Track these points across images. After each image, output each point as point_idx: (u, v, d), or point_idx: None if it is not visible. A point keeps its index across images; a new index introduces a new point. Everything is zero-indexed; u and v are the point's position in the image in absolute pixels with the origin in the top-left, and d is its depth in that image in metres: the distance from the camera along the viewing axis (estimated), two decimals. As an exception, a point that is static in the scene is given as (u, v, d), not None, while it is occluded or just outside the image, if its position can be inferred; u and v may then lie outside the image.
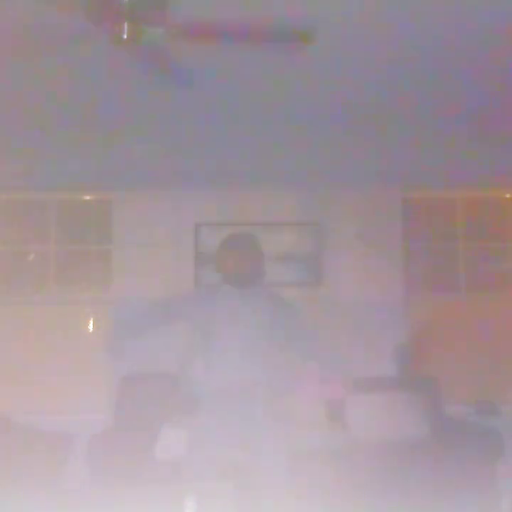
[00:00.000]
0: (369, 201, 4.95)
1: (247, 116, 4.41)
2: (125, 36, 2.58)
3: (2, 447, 3.78)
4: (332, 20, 3.04)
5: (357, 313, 4.77)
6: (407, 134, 4.73)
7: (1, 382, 4.52)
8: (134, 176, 4.77)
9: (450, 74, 3.81)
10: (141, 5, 2.57)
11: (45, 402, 4.67)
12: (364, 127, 4.58)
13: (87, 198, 5.09)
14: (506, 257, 5.14)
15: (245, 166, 4.75)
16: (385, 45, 3.41)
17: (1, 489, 3.41)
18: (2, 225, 5.01)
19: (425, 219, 5.16)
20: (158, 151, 4.73)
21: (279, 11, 2.75)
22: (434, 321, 4.79)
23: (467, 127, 4.62)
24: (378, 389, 4.41)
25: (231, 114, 4.36)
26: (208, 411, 2.95)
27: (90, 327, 4.99)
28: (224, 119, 4.45)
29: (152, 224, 4.88)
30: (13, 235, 5.04)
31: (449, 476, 3.81)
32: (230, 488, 2.88)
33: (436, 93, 4.09)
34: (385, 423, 4.24)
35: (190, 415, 3.01)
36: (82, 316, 4.98)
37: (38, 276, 5.00)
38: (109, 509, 3.43)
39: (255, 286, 3.14)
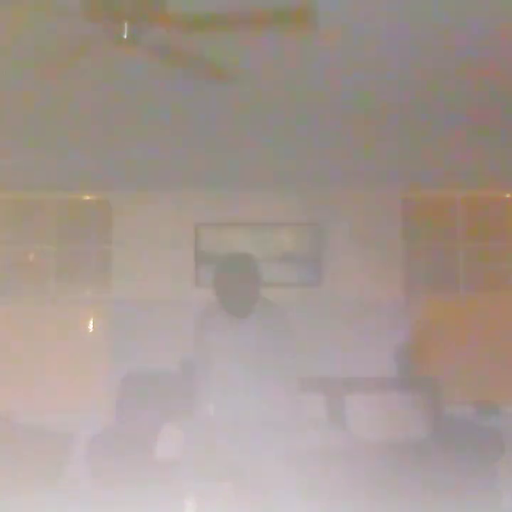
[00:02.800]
0: (369, 201, 4.95)
1: (247, 116, 4.40)
2: (125, 36, 2.58)
3: (3, 447, 3.79)
4: (332, 20, 3.04)
5: (357, 313, 4.78)
6: (407, 134, 4.72)
7: (1, 382, 4.53)
8: (134, 176, 4.77)
9: (450, 73, 3.81)
10: (141, 5, 2.57)
11: (45, 402, 4.67)
12: (364, 127, 4.58)
13: (87, 198, 5.09)
14: (506, 257, 5.14)
15: (245, 166, 4.75)
16: (384, 45, 3.40)
17: (1, 489, 3.41)
18: (2, 225, 5.02)
19: (425, 219, 5.16)
20: (158, 151, 4.73)
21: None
22: (434, 321, 4.79)
23: (467, 127, 4.61)
24: (378, 389, 4.42)
25: (231, 113, 4.36)
26: (207, 411, 2.95)
27: (90, 327, 4.99)
28: (224, 119, 4.45)
29: (152, 224, 4.88)
30: (13, 235, 5.04)
31: (449, 475, 3.81)
32: (230, 488, 2.89)
33: (436, 93, 4.09)
34: (385, 423, 4.24)
35: (189, 415, 3.01)
36: (82, 316, 4.98)
37: (38, 276, 5.00)
38: (109, 509, 3.44)
39: (252, 311, 3.08)
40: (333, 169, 4.81)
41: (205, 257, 4.78)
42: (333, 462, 3.80)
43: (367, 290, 4.85)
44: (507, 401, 4.75)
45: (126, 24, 2.56)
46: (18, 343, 4.78)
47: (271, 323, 3.09)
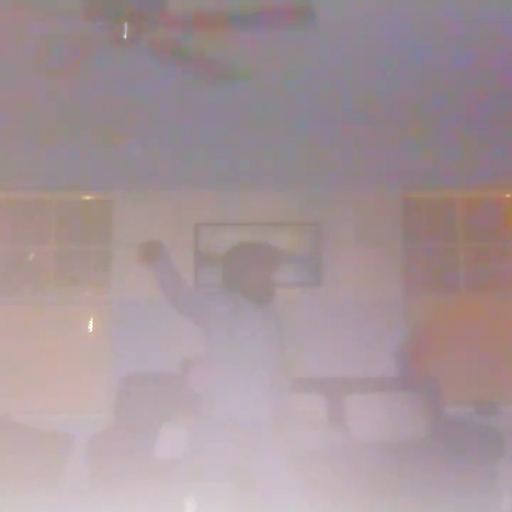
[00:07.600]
0: (369, 201, 4.95)
1: (247, 116, 4.41)
2: (125, 36, 2.58)
3: (2, 447, 3.78)
4: (332, 20, 3.04)
5: (357, 313, 4.78)
6: (407, 134, 4.73)
7: (1, 382, 4.52)
8: (134, 175, 4.77)
9: (450, 73, 3.81)
10: (141, 5, 2.58)
11: (45, 402, 4.67)
12: (364, 127, 4.58)
13: (87, 198, 5.09)
14: (506, 257, 5.14)
15: (245, 166, 4.75)
16: (384, 44, 3.41)
17: (1, 489, 3.41)
18: (2, 225, 5.02)
19: (425, 219, 5.16)
20: (158, 151, 4.73)
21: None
22: (434, 321, 4.79)
23: (467, 127, 4.62)
24: (378, 389, 4.42)
25: (231, 113, 4.36)
26: (208, 410, 2.95)
27: (90, 327, 4.99)
28: (224, 119, 4.45)
29: (152, 224, 4.87)
30: (13, 235, 5.04)
31: (449, 475, 3.81)
32: (230, 488, 2.88)
33: (436, 93, 4.10)
34: (385, 423, 4.23)
35: (190, 415, 3.01)
36: (82, 316, 4.98)
37: (38, 276, 5.00)
38: (109, 509, 3.43)
39: (271, 300, 3.03)
40: (333, 169, 4.81)
41: (205, 257, 4.78)
42: (333, 462, 3.80)
43: (367, 290, 4.84)
44: (507, 401, 4.75)
45: (126, 24, 2.57)
46: (18, 343, 4.77)
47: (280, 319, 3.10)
